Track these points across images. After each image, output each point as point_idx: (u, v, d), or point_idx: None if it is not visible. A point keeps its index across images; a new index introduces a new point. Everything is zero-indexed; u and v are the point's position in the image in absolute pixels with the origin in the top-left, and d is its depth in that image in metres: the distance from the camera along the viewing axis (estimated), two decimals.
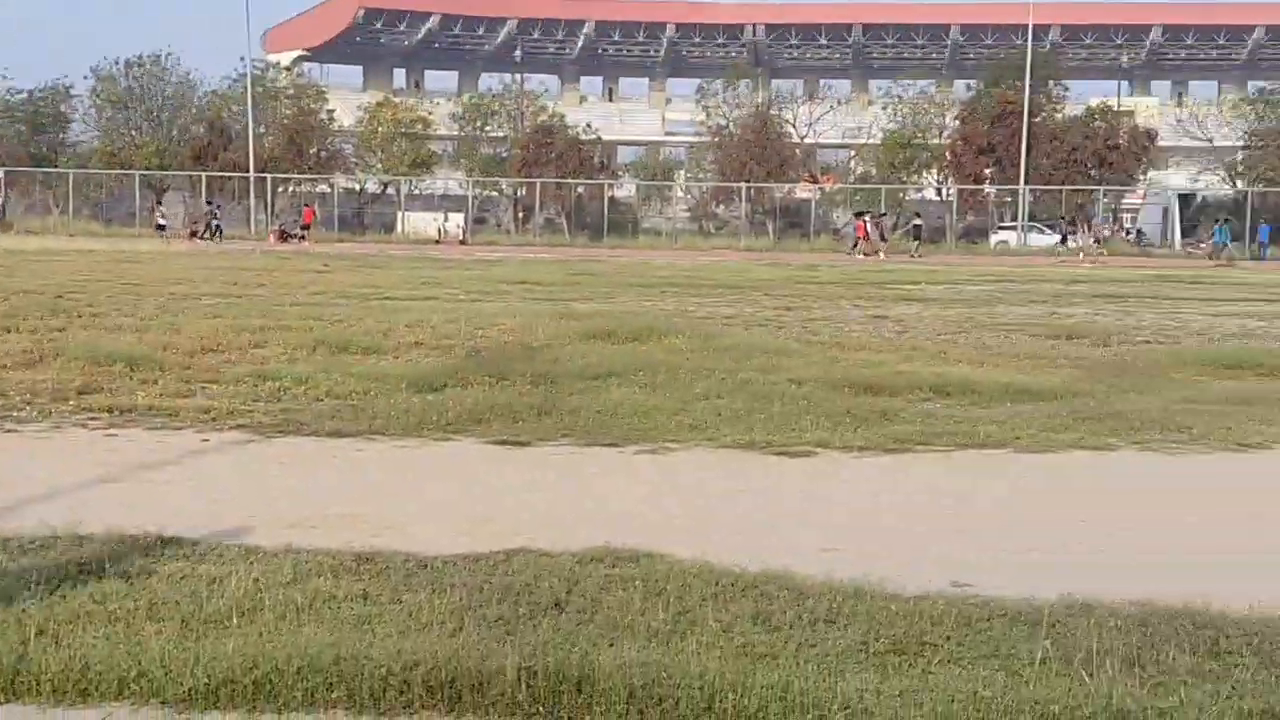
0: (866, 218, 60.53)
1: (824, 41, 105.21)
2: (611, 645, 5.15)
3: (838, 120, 79.57)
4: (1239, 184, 70.87)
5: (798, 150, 75.77)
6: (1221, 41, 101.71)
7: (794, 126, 75.88)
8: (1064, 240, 64.06)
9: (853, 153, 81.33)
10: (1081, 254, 59.29)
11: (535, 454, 9.94)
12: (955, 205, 71.35)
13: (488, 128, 76.82)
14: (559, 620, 5.55)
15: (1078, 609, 5.84)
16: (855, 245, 58.83)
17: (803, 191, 74.47)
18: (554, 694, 4.73)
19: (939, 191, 74.09)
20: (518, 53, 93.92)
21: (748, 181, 70.18)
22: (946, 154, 72.00)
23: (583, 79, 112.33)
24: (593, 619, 5.59)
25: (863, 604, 5.85)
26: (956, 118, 72.91)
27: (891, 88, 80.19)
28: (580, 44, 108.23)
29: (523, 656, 4.87)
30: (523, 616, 5.60)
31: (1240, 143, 72.27)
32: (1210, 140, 75.85)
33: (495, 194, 76.30)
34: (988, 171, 70.56)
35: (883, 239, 59.64)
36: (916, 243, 60.71)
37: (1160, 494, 9.02)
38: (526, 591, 5.98)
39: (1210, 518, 8.35)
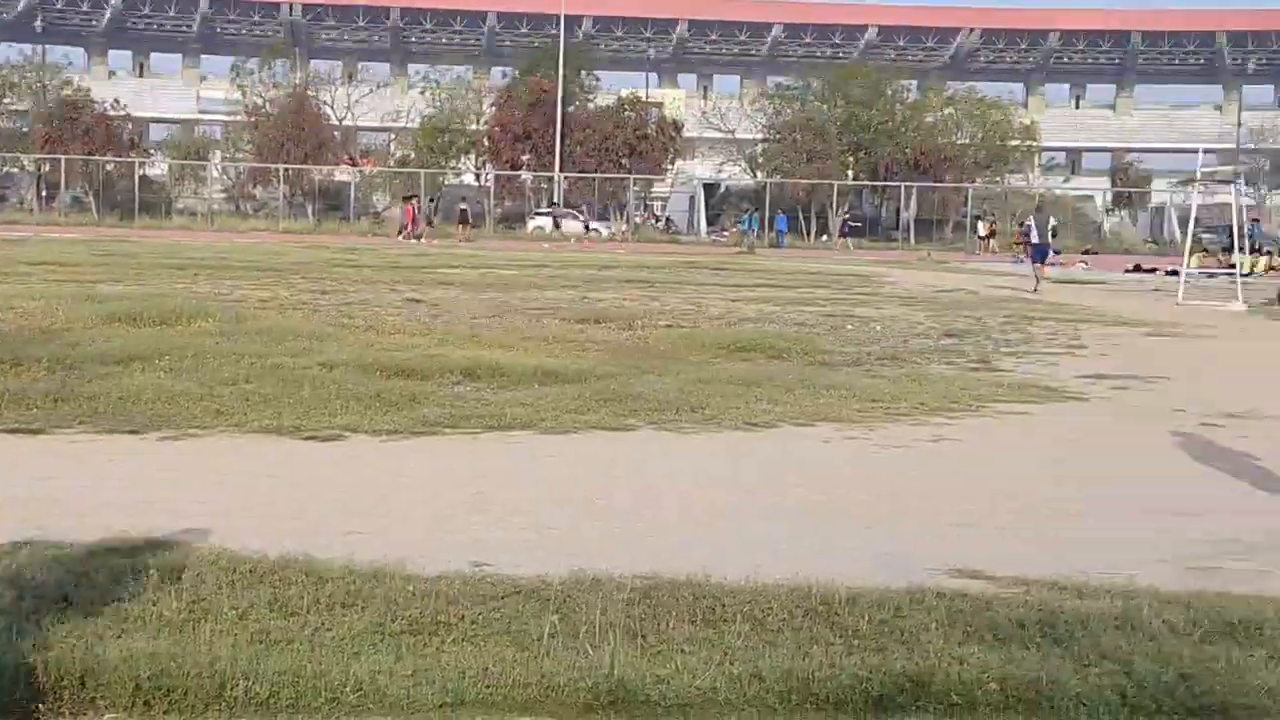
0: (414, 201, 60.66)
1: (362, 23, 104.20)
2: (119, 637, 5.04)
3: (377, 103, 79.13)
4: (759, 175, 74.57)
5: (337, 132, 75.11)
6: (743, 38, 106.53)
7: (333, 108, 75.12)
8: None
9: (392, 136, 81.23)
10: (616, 237, 61.93)
11: (49, 442, 9.56)
12: (494, 190, 72.27)
13: (6, 100, 72.65)
14: (65, 614, 5.38)
15: (587, 584, 6.06)
16: (403, 229, 58.86)
17: (342, 174, 73.95)
18: (55, 689, 4.59)
19: (478, 177, 74.88)
20: (38, 23, 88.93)
21: (286, 163, 69.03)
22: (485, 140, 72.86)
23: (111, 53, 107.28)
24: (102, 611, 5.43)
25: (381, 586, 5.91)
26: (493, 104, 73.86)
27: (429, 72, 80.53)
28: (108, 16, 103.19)
29: (21, 653, 4.70)
30: (26, 611, 5.39)
31: (760, 136, 75.92)
32: (733, 133, 79.38)
33: (16, 170, 72.34)
34: (525, 158, 71.86)
35: (429, 223, 59.84)
36: (463, 226, 61.29)
37: (675, 472, 9.44)
38: (32, 586, 5.75)
39: (723, 492, 8.80)
